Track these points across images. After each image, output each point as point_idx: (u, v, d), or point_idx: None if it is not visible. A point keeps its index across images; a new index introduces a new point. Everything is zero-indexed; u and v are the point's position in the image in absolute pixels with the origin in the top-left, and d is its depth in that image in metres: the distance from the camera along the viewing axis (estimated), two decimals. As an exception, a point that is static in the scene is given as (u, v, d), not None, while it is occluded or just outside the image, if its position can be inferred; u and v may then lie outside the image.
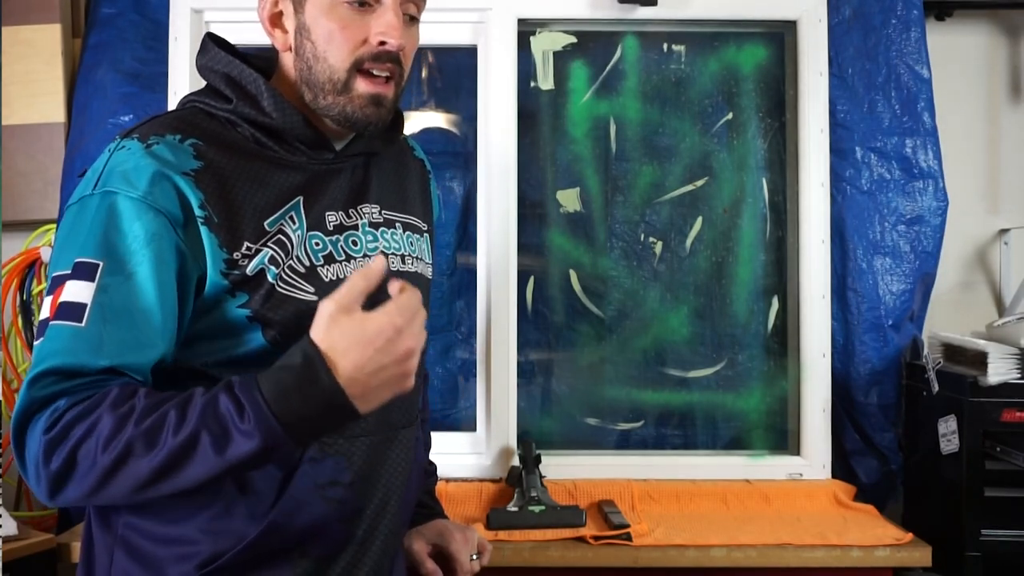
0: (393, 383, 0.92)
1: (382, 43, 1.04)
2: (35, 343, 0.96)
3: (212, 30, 1.94)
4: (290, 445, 0.89)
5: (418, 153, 1.30)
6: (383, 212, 1.15)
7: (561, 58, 2.02)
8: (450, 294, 2.00)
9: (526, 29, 1.99)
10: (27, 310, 1.99)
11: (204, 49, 1.11)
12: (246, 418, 0.88)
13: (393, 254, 1.14)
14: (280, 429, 0.88)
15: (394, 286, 0.93)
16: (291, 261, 1.03)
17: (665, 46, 2.03)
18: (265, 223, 1.02)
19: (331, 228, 1.07)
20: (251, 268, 1.00)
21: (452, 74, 2.03)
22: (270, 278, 1.01)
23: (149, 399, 0.91)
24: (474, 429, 1.95)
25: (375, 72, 1.05)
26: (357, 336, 0.89)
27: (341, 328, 0.89)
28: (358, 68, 1.05)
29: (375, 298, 0.92)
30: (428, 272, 1.22)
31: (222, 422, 0.89)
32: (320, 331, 0.90)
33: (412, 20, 1.09)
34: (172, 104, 1.92)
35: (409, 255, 1.17)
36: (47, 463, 0.91)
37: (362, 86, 1.05)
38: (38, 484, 0.93)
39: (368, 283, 0.90)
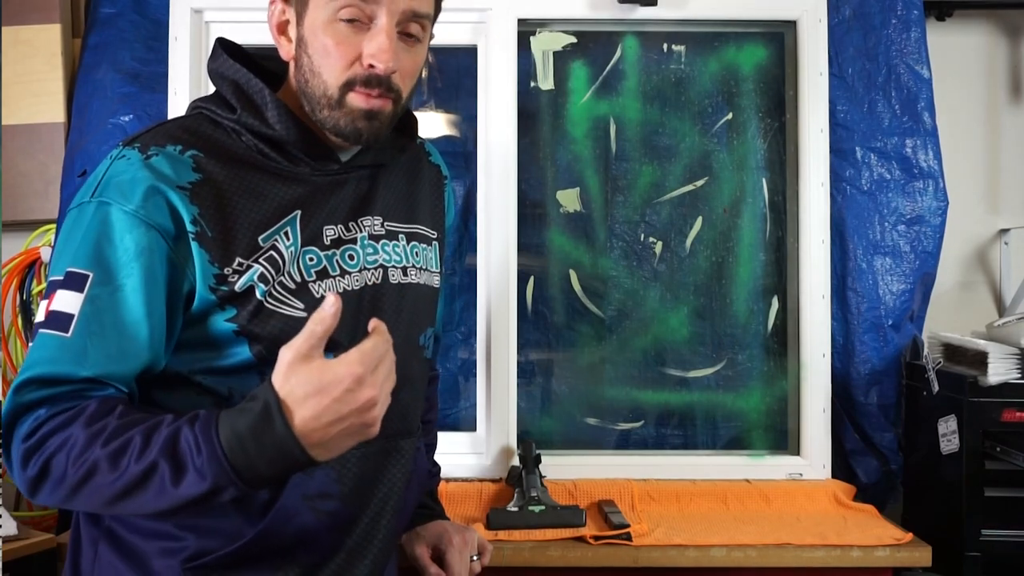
0: (355, 432, 0.90)
1: (371, 66, 1.02)
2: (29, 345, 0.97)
3: (212, 30, 1.95)
4: (241, 488, 0.89)
5: (434, 158, 1.28)
6: (386, 224, 1.13)
7: (561, 58, 2.02)
8: (450, 294, 2.00)
9: (526, 29, 1.99)
10: (27, 310, 1.99)
11: (214, 54, 1.10)
12: (201, 457, 0.88)
13: (394, 266, 1.12)
14: (231, 472, 0.87)
15: (372, 324, 0.92)
16: (282, 277, 1.02)
17: (665, 46, 2.03)
18: (259, 238, 1.02)
19: (328, 243, 1.06)
20: (240, 285, 1.00)
21: (452, 74, 2.03)
22: (259, 295, 1.00)
23: (122, 419, 0.91)
24: (474, 429, 1.95)
25: (367, 92, 1.03)
26: (315, 385, 0.86)
27: (299, 376, 0.87)
28: (350, 87, 1.03)
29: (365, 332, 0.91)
30: (435, 281, 1.21)
31: (180, 456, 0.89)
32: (279, 378, 0.88)
33: (411, 38, 1.06)
34: (172, 104, 1.92)
35: (413, 266, 1.15)
36: (24, 469, 0.93)
37: (355, 101, 1.03)
38: (18, 483, 0.95)
39: (324, 327, 0.87)
